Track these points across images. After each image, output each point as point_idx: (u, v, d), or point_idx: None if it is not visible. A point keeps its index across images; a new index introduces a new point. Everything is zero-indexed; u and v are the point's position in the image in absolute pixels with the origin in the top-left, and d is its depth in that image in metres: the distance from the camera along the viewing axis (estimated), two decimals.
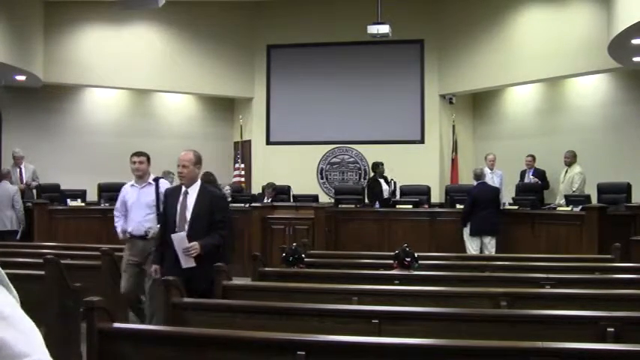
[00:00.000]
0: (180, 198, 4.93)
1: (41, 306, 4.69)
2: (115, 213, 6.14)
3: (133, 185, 6.00)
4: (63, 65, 11.60)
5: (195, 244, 4.77)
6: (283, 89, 13.16)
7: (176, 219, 4.91)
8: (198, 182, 5.00)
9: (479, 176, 9.15)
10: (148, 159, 5.93)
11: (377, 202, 10.47)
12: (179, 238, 4.82)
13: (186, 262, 4.80)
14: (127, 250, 5.89)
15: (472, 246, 8.81)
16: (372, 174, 11.29)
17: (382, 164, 10.88)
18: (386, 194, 10.72)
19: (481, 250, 8.80)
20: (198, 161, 4.96)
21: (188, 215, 4.88)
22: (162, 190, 5.61)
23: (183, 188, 4.96)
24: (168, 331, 3.33)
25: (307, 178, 12.70)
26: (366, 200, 10.78)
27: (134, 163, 5.88)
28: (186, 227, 4.86)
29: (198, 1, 12.63)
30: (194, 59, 12.69)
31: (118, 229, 6.04)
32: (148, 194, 5.83)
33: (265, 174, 12.42)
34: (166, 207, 5.06)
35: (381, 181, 10.87)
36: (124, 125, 12.75)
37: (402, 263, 5.05)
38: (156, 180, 5.89)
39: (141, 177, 5.89)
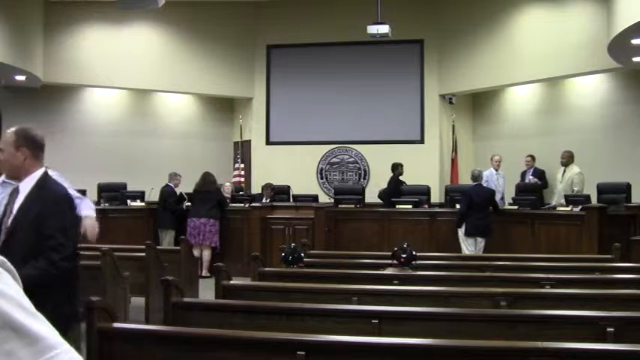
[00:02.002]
0: (9, 198, 3.28)
1: None
2: None
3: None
4: (63, 65, 11.60)
5: None
6: (283, 89, 13.15)
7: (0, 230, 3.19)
8: (35, 176, 3.25)
9: (476, 178, 9.15)
10: None
11: None
12: None
13: None
14: None
15: (468, 246, 8.81)
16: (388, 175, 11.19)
17: (402, 165, 10.88)
18: None
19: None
20: (23, 142, 3.26)
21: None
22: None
23: (14, 184, 3.34)
24: (168, 331, 3.33)
25: (307, 178, 12.69)
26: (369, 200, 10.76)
27: None
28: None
29: (198, 1, 12.63)
30: (194, 59, 12.68)
31: None
32: None
33: (265, 174, 12.41)
34: None
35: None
36: (124, 125, 12.75)
37: (400, 260, 5.06)
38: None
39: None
